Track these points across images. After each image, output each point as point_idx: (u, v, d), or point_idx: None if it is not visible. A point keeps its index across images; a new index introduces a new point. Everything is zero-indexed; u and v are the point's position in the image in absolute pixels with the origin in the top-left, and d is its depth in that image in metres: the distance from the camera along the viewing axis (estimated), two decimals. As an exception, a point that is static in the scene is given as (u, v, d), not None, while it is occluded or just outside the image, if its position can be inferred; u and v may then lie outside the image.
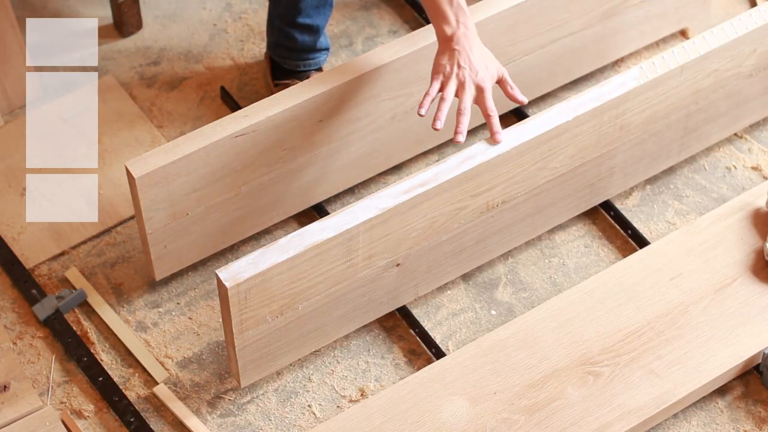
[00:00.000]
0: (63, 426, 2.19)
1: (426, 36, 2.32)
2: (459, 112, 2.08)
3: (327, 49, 2.57)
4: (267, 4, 2.82)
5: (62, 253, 2.44)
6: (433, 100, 2.11)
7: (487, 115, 2.13)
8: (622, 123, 2.31)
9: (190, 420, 2.22)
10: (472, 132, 2.61)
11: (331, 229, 2.08)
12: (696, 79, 2.35)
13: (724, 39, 2.32)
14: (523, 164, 2.22)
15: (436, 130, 2.07)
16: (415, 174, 2.13)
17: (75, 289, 2.38)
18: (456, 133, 2.07)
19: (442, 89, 2.10)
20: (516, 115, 2.63)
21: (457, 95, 2.11)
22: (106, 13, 2.79)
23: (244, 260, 2.04)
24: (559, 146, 2.24)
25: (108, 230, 2.47)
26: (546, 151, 2.23)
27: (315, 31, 2.50)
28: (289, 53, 2.53)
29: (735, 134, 2.62)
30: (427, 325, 2.35)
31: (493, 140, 2.15)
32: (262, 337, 2.15)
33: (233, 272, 2.03)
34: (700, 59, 2.30)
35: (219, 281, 2.03)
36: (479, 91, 2.11)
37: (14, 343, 2.32)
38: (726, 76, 2.40)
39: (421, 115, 2.09)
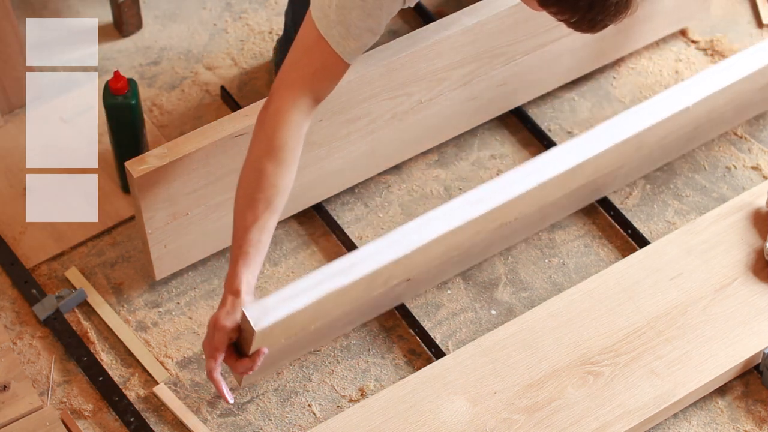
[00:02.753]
0: (63, 426, 2.19)
1: (426, 36, 2.32)
2: None
3: None
4: (268, 4, 2.82)
5: (62, 253, 2.44)
6: None
7: None
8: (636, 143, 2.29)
9: (190, 420, 2.22)
10: (471, 132, 2.61)
11: (361, 267, 2.03)
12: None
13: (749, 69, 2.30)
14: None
15: None
16: (444, 210, 2.09)
17: (75, 288, 2.38)
18: None
19: None
20: (516, 115, 2.63)
21: None
22: (106, 13, 2.79)
23: (272, 299, 1.98)
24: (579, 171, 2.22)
25: (108, 230, 2.47)
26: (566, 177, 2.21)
27: None
28: None
29: (735, 134, 2.62)
30: (427, 325, 2.35)
31: None
32: (270, 353, 2.14)
33: (261, 311, 1.96)
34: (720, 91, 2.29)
35: (244, 318, 1.97)
36: None
37: (14, 343, 2.32)
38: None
39: None
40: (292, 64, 2.01)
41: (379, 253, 2.05)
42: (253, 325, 1.94)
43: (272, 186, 1.99)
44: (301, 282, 2.00)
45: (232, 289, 1.98)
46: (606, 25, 1.81)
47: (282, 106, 2.00)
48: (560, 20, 1.81)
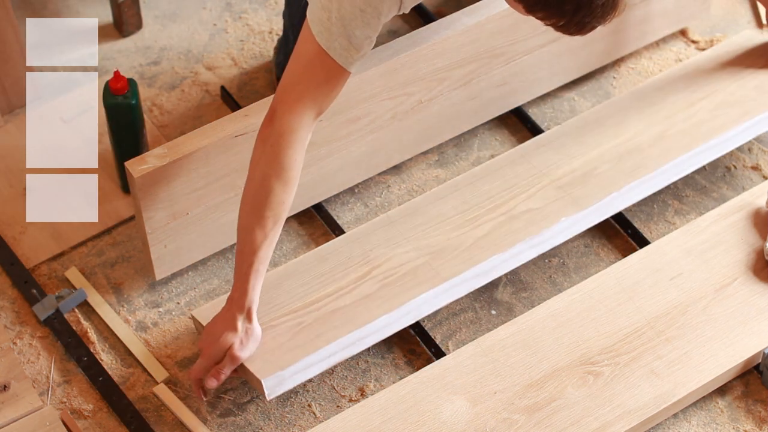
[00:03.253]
0: (63, 426, 2.19)
1: (426, 36, 2.32)
2: None
3: None
4: (268, 4, 2.82)
5: (62, 253, 2.44)
6: None
7: None
8: None
9: (190, 420, 2.22)
10: (471, 132, 2.61)
11: (372, 338, 2.22)
12: None
13: None
14: None
15: None
16: (453, 282, 2.27)
17: (75, 288, 2.38)
18: None
19: None
20: (516, 115, 2.63)
21: None
22: (106, 13, 2.79)
23: (288, 371, 2.12)
24: None
25: (108, 230, 2.47)
26: None
27: None
28: None
29: (735, 134, 2.62)
30: (427, 325, 2.35)
31: None
32: None
33: (277, 383, 2.12)
34: None
35: (258, 382, 2.11)
36: None
37: (14, 343, 2.32)
38: None
39: None
40: (294, 80, 2.03)
41: (390, 326, 2.22)
42: (267, 396, 2.11)
43: (280, 204, 2.06)
44: (315, 355, 2.14)
45: (241, 308, 2.10)
46: (594, 27, 1.81)
47: (287, 124, 2.02)
48: (548, 24, 1.81)
